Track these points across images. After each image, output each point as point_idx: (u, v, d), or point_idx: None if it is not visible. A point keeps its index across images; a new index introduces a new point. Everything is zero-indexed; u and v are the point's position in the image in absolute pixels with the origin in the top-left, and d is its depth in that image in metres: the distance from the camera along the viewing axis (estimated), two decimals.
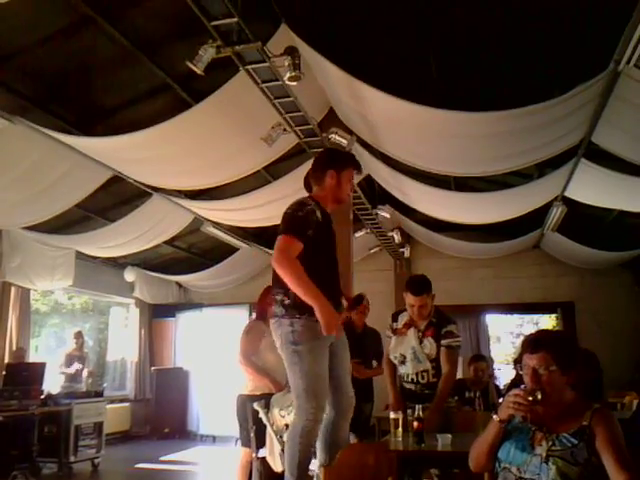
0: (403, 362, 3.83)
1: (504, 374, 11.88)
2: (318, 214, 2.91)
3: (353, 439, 3.63)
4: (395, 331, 3.88)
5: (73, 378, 7.92)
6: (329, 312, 2.73)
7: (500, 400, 4.02)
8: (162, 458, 8.18)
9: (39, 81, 4.88)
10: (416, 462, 3.23)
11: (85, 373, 8.12)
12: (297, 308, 2.81)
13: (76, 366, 7.92)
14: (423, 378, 3.77)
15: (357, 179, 3.22)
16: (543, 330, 2.40)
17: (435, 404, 3.61)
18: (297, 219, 2.87)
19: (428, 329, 3.75)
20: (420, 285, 3.77)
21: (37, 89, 4.95)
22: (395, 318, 3.98)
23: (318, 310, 2.71)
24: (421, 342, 3.75)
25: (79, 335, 8.29)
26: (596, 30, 4.07)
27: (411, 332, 3.80)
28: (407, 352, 3.79)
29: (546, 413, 2.14)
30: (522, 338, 2.37)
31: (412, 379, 3.80)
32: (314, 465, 3.06)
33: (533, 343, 2.15)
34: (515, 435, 2.19)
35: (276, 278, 2.86)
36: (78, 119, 5.34)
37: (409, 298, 3.76)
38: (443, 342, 3.73)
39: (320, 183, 3.09)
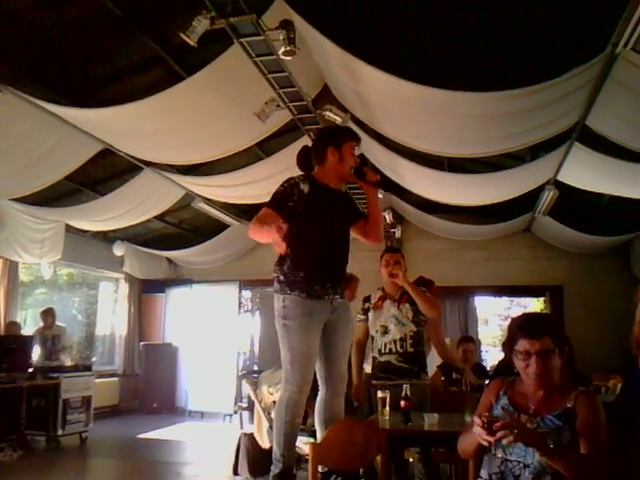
0: (385, 332, 3.99)
1: (491, 356, 12.00)
2: (303, 187, 3.00)
3: None
4: (368, 310, 4.11)
5: (48, 357, 7.54)
6: (272, 230, 2.74)
7: (487, 382, 4.09)
8: (150, 433, 8.22)
9: (28, 49, 4.77)
10: (403, 441, 3.27)
11: (64, 351, 7.72)
12: (288, 285, 2.95)
13: (48, 345, 7.54)
14: (402, 347, 3.93)
15: (358, 151, 3.21)
16: (536, 314, 2.38)
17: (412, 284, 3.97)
18: (276, 192, 3.01)
19: (403, 297, 4.02)
20: (395, 247, 4.08)
21: (26, 58, 4.84)
22: (367, 299, 4.20)
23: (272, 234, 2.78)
24: (399, 308, 3.99)
25: (47, 313, 7.92)
26: (594, 12, 4.03)
27: (387, 303, 4.05)
28: (388, 321, 4.00)
29: (534, 396, 2.16)
30: (510, 321, 2.34)
31: (391, 349, 3.94)
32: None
33: (535, 328, 2.14)
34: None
35: (278, 258, 3.00)
36: (68, 89, 5.24)
37: (385, 257, 4.11)
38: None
39: (322, 162, 3.13)
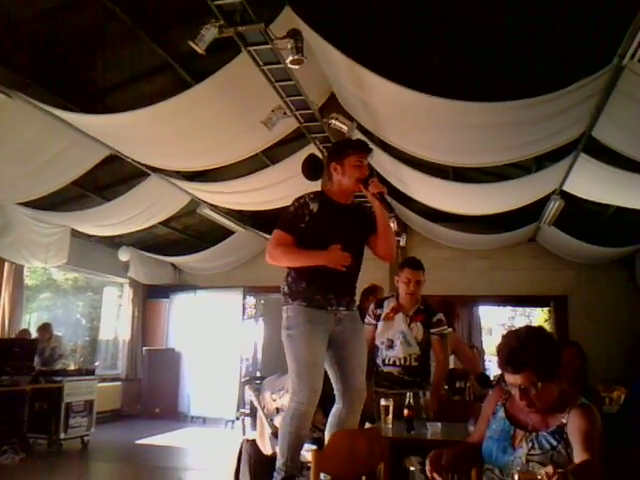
0: (391, 346, 3.91)
1: (494, 365, 11.93)
2: (313, 206, 3.03)
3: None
4: (379, 317, 3.97)
5: (45, 364, 7.58)
6: (326, 255, 2.90)
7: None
8: (152, 438, 8.22)
9: (38, 56, 4.81)
10: (405, 449, 3.26)
11: (61, 359, 7.92)
12: (291, 295, 3.00)
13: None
14: (406, 361, 3.86)
15: (366, 162, 3.20)
16: (518, 345, 2.09)
17: (432, 392, 3.83)
18: (286, 214, 3.05)
19: (417, 315, 3.90)
20: (418, 262, 3.99)
21: (35, 64, 4.88)
22: (380, 304, 4.05)
23: (321, 262, 2.90)
24: (409, 325, 3.88)
25: (44, 329, 7.89)
26: (601, 24, 4.04)
27: (399, 317, 3.92)
28: (395, 336, 3.89)
29: (532, 414, 2.13)
30: (497, 347, 2.17)
31: (394, 362, 3.88)
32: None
33: (515, 363, 2.05)
34: (497, 431, 2.19)
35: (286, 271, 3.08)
36: (77, 96, 5.28)
37: (406, 273, 3.92)
38: (434, 330, 3.93)
39: (330, 178, 3.18)
